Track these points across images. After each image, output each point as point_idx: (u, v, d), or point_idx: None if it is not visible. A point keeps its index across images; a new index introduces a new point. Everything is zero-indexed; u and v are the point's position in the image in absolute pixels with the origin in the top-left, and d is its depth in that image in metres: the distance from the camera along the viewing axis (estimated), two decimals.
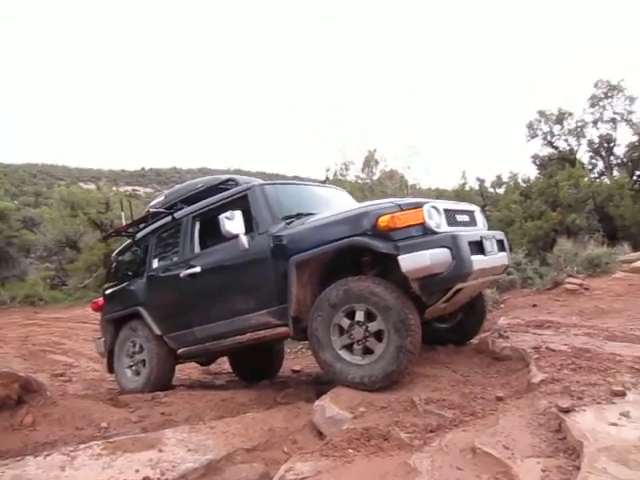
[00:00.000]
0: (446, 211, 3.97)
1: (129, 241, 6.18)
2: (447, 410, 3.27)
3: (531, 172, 18.90)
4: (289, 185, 5.31)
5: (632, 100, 15.34)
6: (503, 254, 4.44)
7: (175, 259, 5.27)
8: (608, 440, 2.57)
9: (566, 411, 2.92)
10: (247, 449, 3.40)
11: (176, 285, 5.07)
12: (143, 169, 73.41)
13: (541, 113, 16.49)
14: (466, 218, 4.32)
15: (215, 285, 4.76)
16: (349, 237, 3.85)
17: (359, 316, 3.74)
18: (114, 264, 6.51)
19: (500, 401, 3.40)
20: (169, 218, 5.48)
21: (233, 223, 4.29)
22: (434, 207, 3.86)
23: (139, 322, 5.49)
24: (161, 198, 5.95)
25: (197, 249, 5.09)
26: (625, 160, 15.81)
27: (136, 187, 59.76)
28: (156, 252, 5.57)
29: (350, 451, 2.86)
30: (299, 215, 4.51)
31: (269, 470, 3.03)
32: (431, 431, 3.05)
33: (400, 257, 3.60)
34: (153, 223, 5.76)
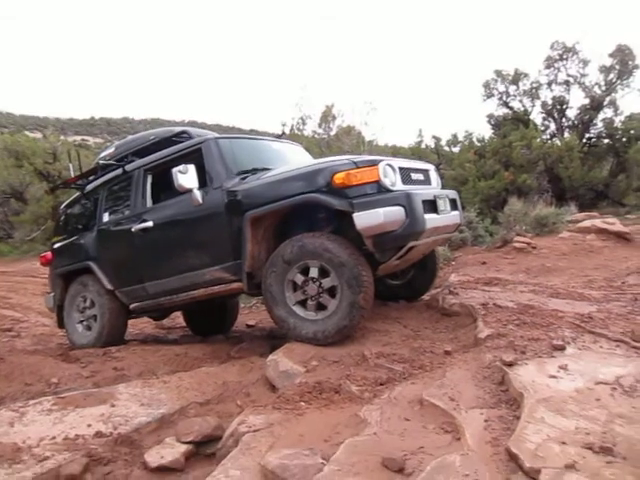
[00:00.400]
0: (401, 169, 3.98)
1: (78, 194, 6.01)
2: (397, 364, 3.37)
3: (486, 132, 19.18)
4: (244, 139, 5.20)
5: (586, 63, 15.58)
6: (455, 213, 4.52)
7: (126, 213, 5.15)
8: (547, 392, 2.72)
9: (509, 364, 3.05)
10: (200, 403, 3.43)
11: (127, 239, 5.00)
12: (93, 118, 70.77)
13: (498, 73, 16.59)
14: (421, 177, 4.35)
15: (168, 240, 4.70)
16: (304, 193, 3.84)
17: (313, 272, 3.77)
18: (62, 217, 6.35)
19: (448, 355, 3.52)
20: (120, 171, 5.34)
21: (186, 177, 4.21)
22: (389, 165, 3.86)
23: (90, 277, 5.41)
24: (111, 150, 5.78)
25: (149, 203, 5.00)
26: (576, 122, 16.16)
27: (85, 137, 57.71)
28: (106, 205, 5.43)
29: (302, 404, 2.92)
30: (254, 170, 4.45)
31: (222, 423, 3.07)
32: (381, 384, 3.13)
33: (355, 214, 3.62)
34: (103, 175, 5.60)
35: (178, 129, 5.29)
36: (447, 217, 4.27)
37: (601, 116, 15.78)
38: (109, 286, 5.20)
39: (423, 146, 19.27)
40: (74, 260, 5.65)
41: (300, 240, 3.82)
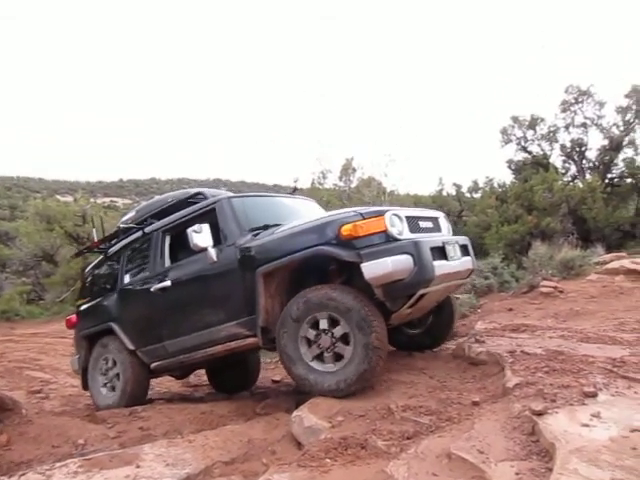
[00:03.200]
0: (408, 218, 4.03)
1: (101, 257, 6.18)
2: (423, 416, 3.30)
3: (506, 177, 19.19)
4: (257, 197, 5.37)
5: (601, 105, 15.70)
6: (467, 258, 4.53)
7: (146, 274, 5.27)
8: (579, 441, 2.62)
9: (539, 414, 2.97)
10: (226, 462, 3.38)
11: (147, 299, 5.10)
12: (121, 180, 72.82)
13: (514, 119, 16.79)
14: (429, 224, 4.39)
15: (185, 298, 4.79)
16: (313, 246, 3.91)
17: (323, 324, 3.81)
18: (87, 280, 6.48)
19: (476, 406, 3.44)
20: (140, 233, 5.51)
21: (201, 236, 4.33)
22: (396, 215, 3.91)
23: (112, 338, 5.48)
24: (132, 214, 5.97)
25: (167, 263, 5.12)
26: (597, 164, 16.12)
27: (114, 198, 59.21)
28: (127, 267, 5.58)
29: (327, 461, 2.87)
30: (266, 226, 4.53)
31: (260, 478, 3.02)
32: (408, 438, 3.07)
33: (363, 264, 3.66)
34: (124, 238, 5.78)
35: (193, 191, 5.43)
36: (458, 263, 4.27)
37: (622, 156, 15.74)
38: (131, 346, 5.25)
39: (444, 194, 19.35)
40: (97, 322, 5.72)
41: (304, 296, 3.88)
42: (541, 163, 16.20)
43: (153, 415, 4.64)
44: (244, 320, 4.30)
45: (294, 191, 6.18)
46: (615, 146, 15.52)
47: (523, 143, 16.96)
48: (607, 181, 15.63)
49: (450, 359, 4.58)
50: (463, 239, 4.68)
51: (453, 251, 4.23)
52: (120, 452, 3.51)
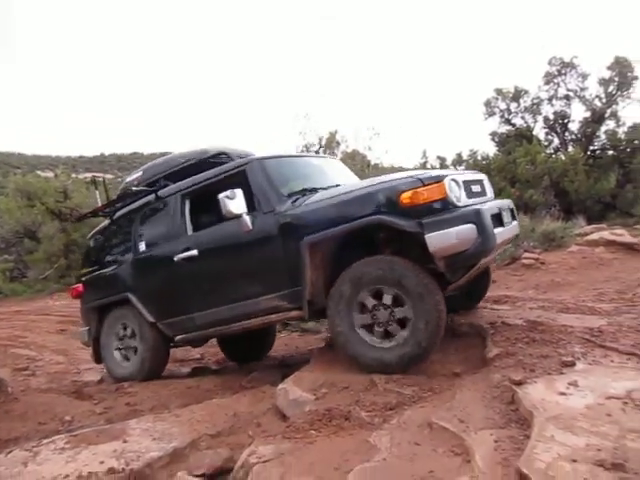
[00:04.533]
0: (464, 183, 3.84)
1: (106, 222, 5.78)
2: (406, 387, 3.36)
3: (490, 149, 19.25)
4: (288, 158, 5.01)
5: (584, 77, 15.71)
6: (515, 223, 4.44)
7: (166, 241, 4.90)
8: (556, 409, 2.70)
9: (518, 383, 3.04)
10: (212, 435, 3.43)
11: (170, 269, 4.77)
12: (103, 155, 71.66)
13: (498, 91, 16.75)
14: (479, 188, 4.18)
15: (215, 269, 4.51)
16: (369, 215, 3.66)
17: (383, 298, 3.65)
18: (92, 247, 6.02)
19: (457, 376, 3.51)
20: (152, 196, 5.14)
21: (235, 202, 4.02)
22: (454, 180, 3.69)
23: (129, 309, 5.20)
24: (138, 174, 5.52)
25: (190, 230, 4.78)
26: (579, 136, 16.21)
27: (96, 173, 58.23)
28: (142, 234, 5.17)
29: (312, 432, 2.92)
30: (304, 191, 4.29)
31: (233, 454, 3.08)
32: (391, 409, 3.12)
33: (427, 236, 3.44)
34: (133, 202, 5.40)
35: (214, 150, 5.02)
36: (510, 229, 4.16)
37: (604, 128, 15.84)
38: (151, 318, 4.97)
39: (428, 166, 19.37)
40: (110, 292, 5.38)
41: (358, 269, 3.68)
42: (524, 135, 16.24)
43: (140, 391, 4.68)
44: (285, 292, 4.09)
45: (319, 150, 5.86)
46: (597, 118, 15.60)
47: (507, 115, 16.97)
48: (589, 153, 15.75)
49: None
50: (510, 203, 4.53)
51: (507, 216, 4.13)
52: (107, 427, 3.54)
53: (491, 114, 17.01)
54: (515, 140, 16.43)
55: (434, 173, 3.86)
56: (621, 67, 15.17)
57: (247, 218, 4.11)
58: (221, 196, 4.03)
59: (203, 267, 4.56)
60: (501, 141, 17.63)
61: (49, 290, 16.60)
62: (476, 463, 2.35)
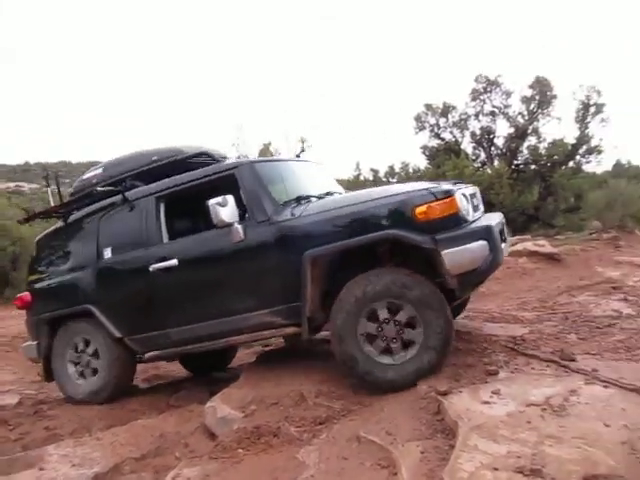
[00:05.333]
0: (470, 196, 3.78)
1: (59, 224, 5.15)
2: (335, 401, 3.36)
3: (421, 162, 19.72)
4: (278, 162, 4.67)
5: (508, 94, 16.46)
6: (509, 237, 4.46)
7: (136, 248, 4.43)
8: (480, 418, 2.77)
9: (444, 394, 3.10)
10: (136, 458, 3.31)
11: (143, 280, 4.33)
12: (27, 163, 68.40)
13: (428, 106, 17.28)
14: (476, 201, 4.09)
15: (199, 281, 4.16)
16: (384, 229, 3.47)
17: (384, 314, 3.47)
18: (42, 252, 5.35)
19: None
20: (118, 198, 4.62)
21: (227, 210, 3.74)
22: (463, 194, 3.61)
23: (89, 322, 4.68)
24: (98, 171, 4.97)
25: (165, 237, 4.37)
26: (504, 150, 16.93)
27: (20, 183, 55.54)
28: (106, 239, 4.65)
29: (240, 451, 2.87)
30: (299, 199, 4.05)
31: (158, 477, 2.97)
32: (320, 423, 3.12)
33: (444, 253, 3.32)
34: (92, 203, 4.85)
35: (191, 149, 4.65)
36: (509, 243, 4.19)
37: (526, 144, 16.60)
38: (117, 333, 4.49)
39: (362, 178, 19.64)
40: (65, 303, 4.81)
41: (365, 283, 3.47)
42: (453, 149, 16.79)
43: (60, 413, 4.46)
44: (280, 308, 3.81)
45: (301, 153, 5.50)
46: (520, 134, 16.35)
47: (436, 130, 17.50)
48: (513, 167, 16.45)
49: None
50: (502, 216, 4.39)
51: (506, 231, 4.10)
52: (21, 455, 3.35)
53: (421, 128, 17.51)
54: (444, 154, 16.94)
55: (444, 186, 3.68)
56: (541, 86, 16.00)
57: (239, 227, 3.83)
58: (211, 202, 3.75)
59: (184, 279, 4.19)
60: (431, 154, 18.14)
61: None
62: (402, 475, 2.37)
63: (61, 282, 4.91)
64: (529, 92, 16.34)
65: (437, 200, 3.44)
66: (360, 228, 3.53)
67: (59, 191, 5.19)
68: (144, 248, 4.36)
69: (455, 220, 3.44)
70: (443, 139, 17.59)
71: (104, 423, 4.11)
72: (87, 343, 4.77)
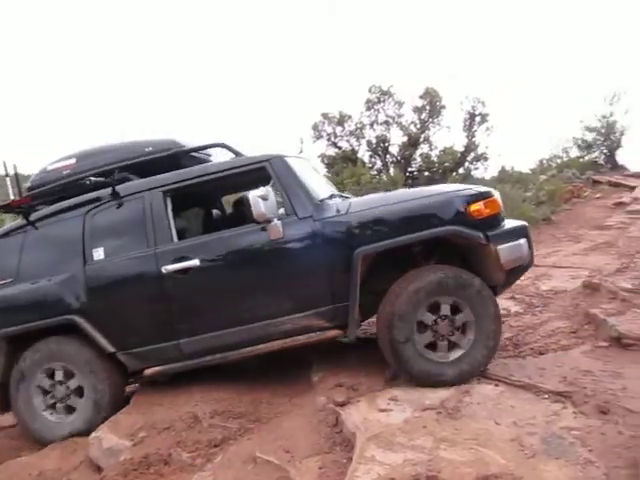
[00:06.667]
0: None
1: (20, 221, 4.33)
2: (232, 420, 3.22)
3: (320, 170, 19.92)
4: (300, 159, 4.35)
5: (401, 104, 16.99)
6: None
7: (139, 249, 3.88)
8: (377, 427, 2.74)
9: (342, 404, 3.06)
10: None
11: (151, 283, 3.82)
12: None
13: (324, 115, 17.46)
14: None
15: (225, 282, 3.75)
16: (441, 225, 3.44)
17: (444, 310, 3.40)
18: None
19: (287, 402, 3.45)
20: (105, 191, 4.04)
21: (268, 204, 3.45)
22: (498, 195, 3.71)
23: (67, 338, 3.95)
24: (69, 162, 4.30)
25: (175, 235, 3.91)
26: (399, 158, 17.45)
27: None
28: (97, 238, 4.01)
29: None
30: (332, 197, 3.92)
31: None
32: (215, 446, 2.97)
33: (499, 248, 3.38)
34: (66, 196, 4.19)
35: (189, 143, 4.23)
36: None
37: (419, 151, 17.24)
38: (110, 348, 3.85)
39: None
40: (38, 315, 3.99)
41: (415, 284, 3.37)
42: (350, 158, 17.08)
43: None
44: (324, 309, 3.57)
45: (301, 152, 5.09)
46: (413, 142, 16.95)
47: (333, 139, 17.72)
48: (408, 174, 17.01)
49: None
50: None
51: None
52: None
53: (319, 137, 17.65)
54: (342, 162, 17.20)
55: (481, 188, 3.78)
56: (431, 97, 16.70)
57: (279, 224, 3.57)
58: (253, 195, 3.43)
59: (206, 281, 3.75)
60: (330, 163, 18.36)
61: None
62: None
63: (29, 290, 4.07)
64: (420, 102, 16.98)
65: (486, 199, 3.52)
66: (415, 225, 3.47)
67: (18, 182, 4.36)
68: (151, 248, 3.85)
69: (498, 219, 3.56)
70: (340, 147, 17.83)
71: None
72: (68, 374, 3.93)
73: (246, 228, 3.72)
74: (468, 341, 3.36)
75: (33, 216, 4.20)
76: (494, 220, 3.52)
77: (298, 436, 2.84)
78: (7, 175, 4.53)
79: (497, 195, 3.65)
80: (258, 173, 3.83)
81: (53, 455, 3.52)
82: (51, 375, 3.92)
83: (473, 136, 16.91)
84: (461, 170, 17.13)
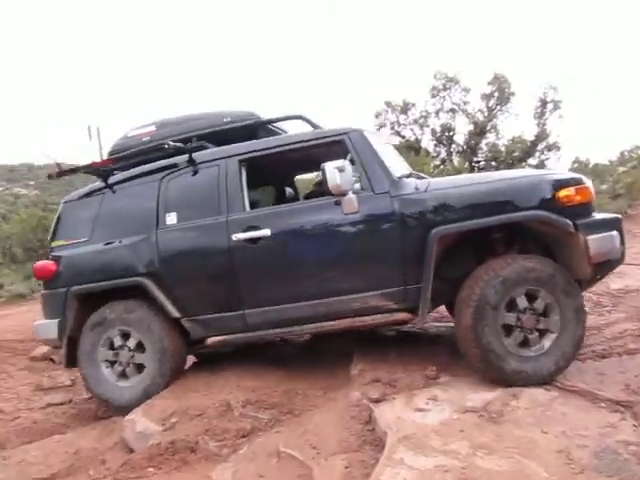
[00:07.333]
0: None
1: (98, 184, 4.40)
2: (264, 411, 3.13)
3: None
4: (376, 135, 4.38)
5: (467, 91, 16.39)
6: None
7: (211, 215, 3.87)
8: (411, 428, 2.57)
9: (376, 401, 2.90)
10: (45, 478, 3.02)
11: (220, 251, 3.78)
12: None
13: (388, 104, 17.09)
14: None
15: (294, 254, 3.66)
16: (528, 209, 3.24)
17: (521, 302, 3.19)
18: (72, 215, 4.47)
19: (322, 395, 3.33)
20: (181, 158, 4.09)
21: (344, 176, 3.36)
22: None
23: (140, 306, 3.96)
24: (150, 129, 4.43)
25: (247, 204, 3.87)
26: (464, 147, 16.88)
27: None
28: (171, 203, 4.05)
29: (150, 470, 2.62)
30: (410, 175, 3.79)
31: None
32: (243, 436, 2.89)
33: (590, 238, 3.14)
34: (146, 161, 4.25)
35: (292, 114, 4.19)
36: None
37: (486, 140, 16.59)
38: (175, 313, 3.85)
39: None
40: (108, 275, 4.04)
41: (496, 274, 3.16)
42: (413, 147, 16.65)
43: None
44: (394, 290, 3.44)
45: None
46: (480, 131, 16.34)
47: (396, 127, 17.34)
48: (473, 164, 16.44)
49: (303, 347, 4.44)
50: None
51: None
52: None
53: (382, 126, 17.32)
54: (405, 151, 16.83)
55: (573, 173, 3.56)
56: (500, 83, 16.01)
57: (354, 197, 3.47)
58: (329, 166, 3.37)
59: (275, 252, 3.68)
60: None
61: None
62: None
63: (101, 250, 4.13)
64: (488, 89, 16.34)
65: (578, 185, 3.30)
66: (497, 208, 3.29)
67: (100, 146, 4.39)
68: (223, 215, 3.83)
69: (589, 209, 3.31)
70: (403, 136, 17.44)
71: (21, 439, 3.80)
72: (133, 338, 3.94)
73: (320, 200, 3.66)
74: (556, 322, 3.14)
75: (112, 180, 4.27)
76: (584, 209, 3.27)
77: (328, 431, 2.72)
78: (90, 138, 4.50)
79: (589, 183, 3.37)
80: (336, 146, 3.74)
81: (91, 434, 3.57)
82: (120, 336, 3.96)
83: (544, 124, 16.07)
84: (531, 160, 16.37)
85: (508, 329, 3.15)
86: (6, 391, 6.24)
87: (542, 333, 3.17)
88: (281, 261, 3.67)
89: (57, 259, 4.26)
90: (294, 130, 4.29)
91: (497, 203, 3.30)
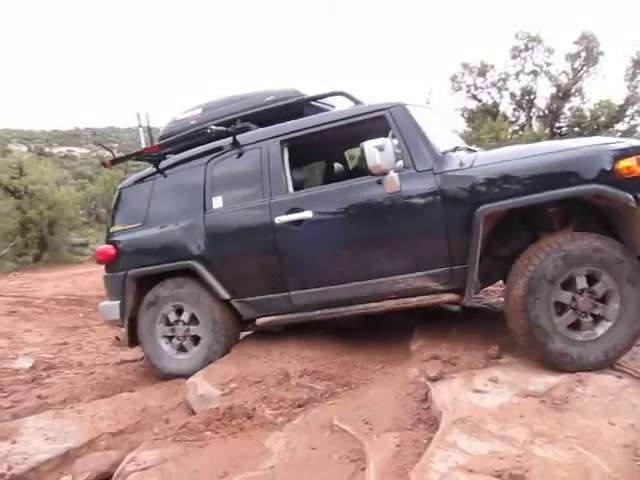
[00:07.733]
0: None
1: (150, 169, 4.54)
2: (320, 382, 3.15)
3: (460, 125, 18.94)
4: (424, 108, 4.13)
5: (551, 52, 15.45)
6: None
7: (255, 198, 3.90)
8: (467, 409, 2.50)
9: (434, 379, 2.84)
10: (113, 433, 3.19)
11: (265, 234, 3.81)
12: (77, 129, 69.61)
13: (465, 65, 16.42)
14: None
15: (337, 237, 3.64)
16: (583, 184, 3.00)
17: (581, 283, 3.00)
18: (128, 201, 4.66)
19: (379, 369, 3.31)
20: (226, 141, 4.10)
21: (385, 155, 3.27)
22: None
23: (190, 282, 4.11)
24: (196, 112, 4.48)
25: (290, 186, 3.87)
26: (545, 112, 16.05)
27: (71, 148, 56.89)
28: (216, 187, 4.10)
29: (207, 434, 2.70)
30: (457, 149, 3.64)
31: (124, 457, 2.82)
32: (299, 406, 2.92)
33: None
34: (192, 145, 4.32)
35: (333, 90, 4.08)
36: None
37: (570, 105, 15.69)
38: (225, 295, 3.95)
39: None
40: (161, 258, 4.20)
41: (558, 249, 2.97)
42: (491, 111, 16.02)
43: (56, 382, 4.41)
44: (439, 271, 3.35)
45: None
46: (563, 94, 15.44)
47: (473, 91, 16.67)
48: (554, 130, 15.62)
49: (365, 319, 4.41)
50: None
51: None
52: None
53: (457, 89, 16.70)
54: (482, 116, 16.20)
55: (634, 141, 3.19)
56: (587, 42, 14.99)
57: (395, 176, 3.37)
58: (368, 145, 3.30)
59: (318, 233, 3.68)
60: (469, 117, 17.39)
61: (4, 269, 16.02)
62: (369, 473, 2.15)
63: (155, 235, 4.29)
64: (574, 49, 15.33)
65: (636, 155, 2.99)
66: (549, 182, 3.06)
67: (150, 132, 4.57)
68: (266, 198, 3.86)
69: None
70: (480, 100, 16.77)
71: (95, 394, 4.02)
72: (183, 309, 4.16)
73: (361, 180, 3.57)
74: (614, 311, 2.95)
75: (162, 165, 4.37)
76: None
77: (382, 407, 2.69)
78: (140, 125, 4.82)
79: None
80: (378, 123, 3.63)
81: (157, 394, 3.73)
82: (174, 312, 4.15)
83: (636, 87, 14.96)
84: (619, 125, 15.34)
85: (561, 307, 2.98)
86: (88, 345, 6.64)
87: (597, 319, 2.99)
88: (323, 242, 3.67)
89: (116, 243, 4.45)
90: (342, 106, 4.15)
91: (548, 178, 3.07)
